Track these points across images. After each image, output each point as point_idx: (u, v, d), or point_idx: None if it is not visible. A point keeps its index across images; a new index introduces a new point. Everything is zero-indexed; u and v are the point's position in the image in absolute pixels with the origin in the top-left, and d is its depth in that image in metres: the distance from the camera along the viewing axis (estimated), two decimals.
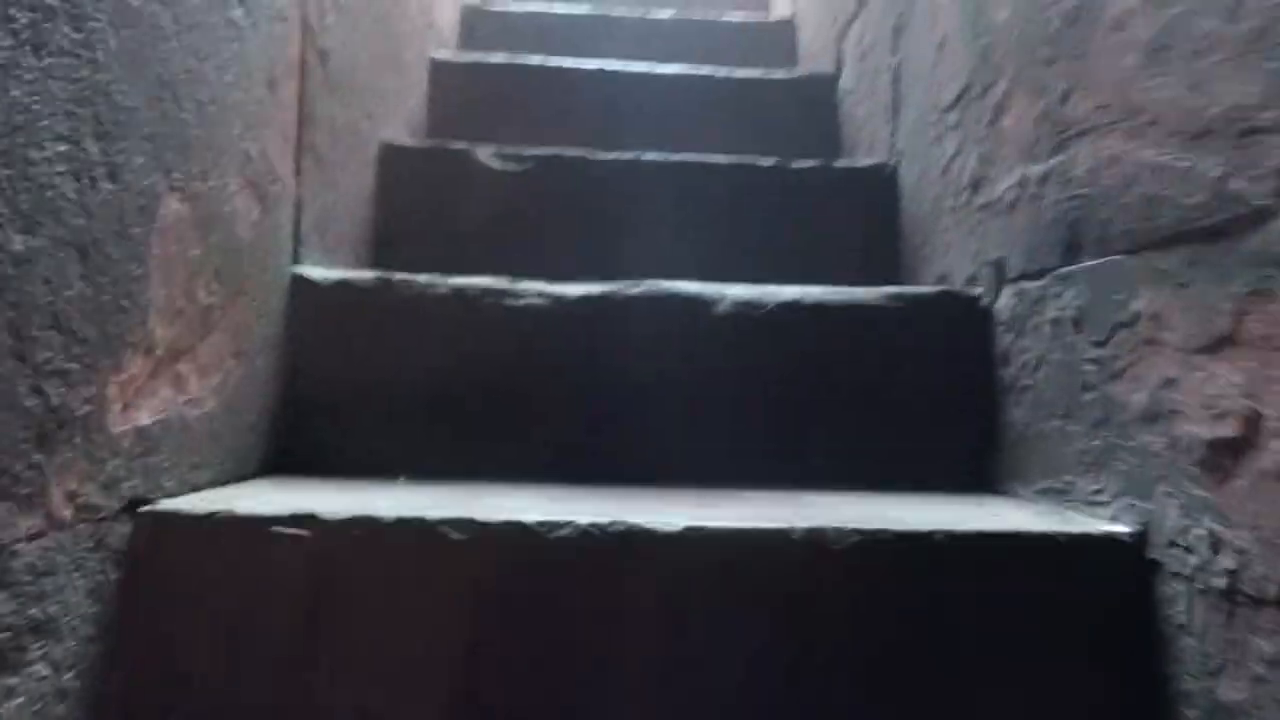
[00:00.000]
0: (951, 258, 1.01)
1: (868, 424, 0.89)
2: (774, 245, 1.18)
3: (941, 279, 1.03)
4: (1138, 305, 0.65)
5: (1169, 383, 0.61)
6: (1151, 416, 0.63)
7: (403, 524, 0.64)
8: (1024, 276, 0.83)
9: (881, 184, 1.20)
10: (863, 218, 1.19)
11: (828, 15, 1.59)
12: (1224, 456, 0.55)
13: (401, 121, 1.31)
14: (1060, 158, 0.76)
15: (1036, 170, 0.80)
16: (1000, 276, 0.88)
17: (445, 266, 1.14)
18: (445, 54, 1.50)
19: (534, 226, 1.18)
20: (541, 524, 0.64)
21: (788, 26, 1.85)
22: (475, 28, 1.83)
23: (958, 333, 0.90)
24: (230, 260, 0.76)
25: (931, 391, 0.89)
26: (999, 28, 0.89)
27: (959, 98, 0.99)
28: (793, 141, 1.48)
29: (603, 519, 0.64)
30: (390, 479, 0.84)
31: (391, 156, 1.19)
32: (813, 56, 1.69)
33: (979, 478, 0.88)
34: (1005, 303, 0.87)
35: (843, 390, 0.89)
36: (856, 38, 1.41)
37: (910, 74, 1.15)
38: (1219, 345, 0.56)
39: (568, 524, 0.64)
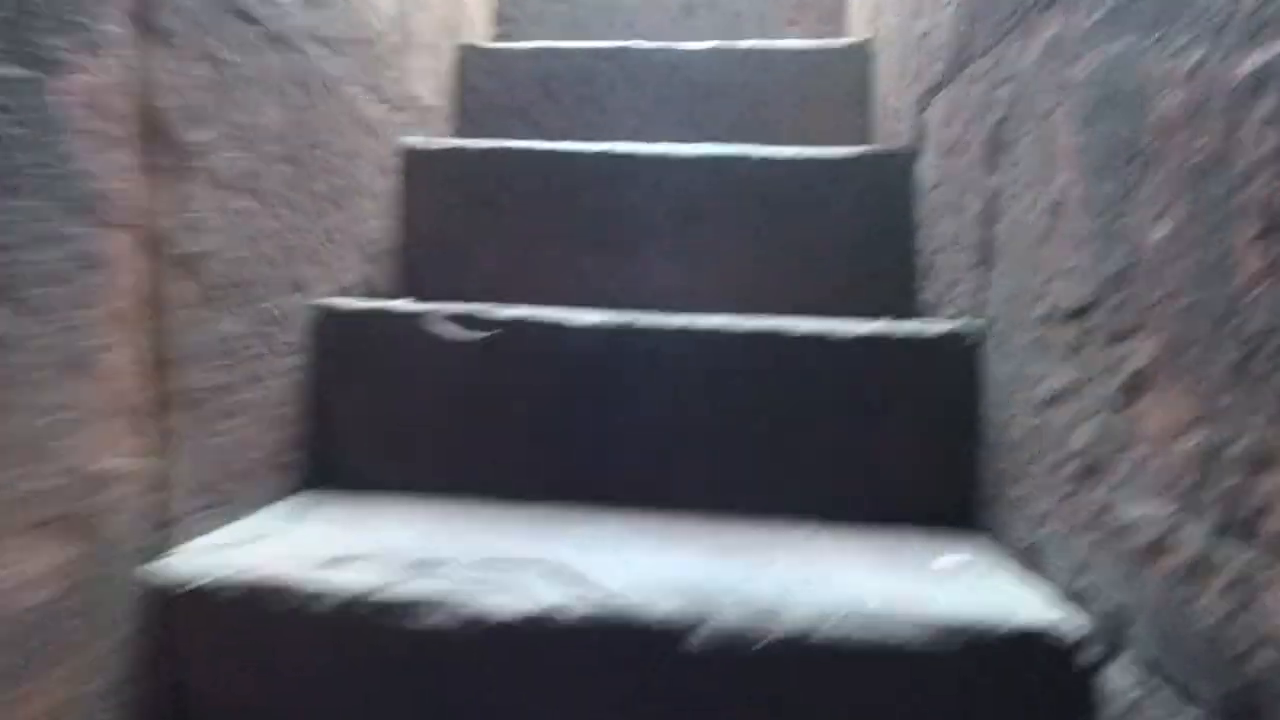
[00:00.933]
0: (1045, 537, 0.70)
1: None
2: (799, 464, 0.90)
3: (1029, 557, 0.73)
4: None
5: None
6: None
7: None
8: (1158, 672, 0.53)
9: (958, 358, 0.88)
10: (928, 413, 0.88)
11: (908, 67, 1.22)
12: None
13: (356, 256, 1.05)
14: (1239, 559, 0.46)
15: (1193, 544, 0.50)
16: (1114, 641, 0.58)
17: (391, 481, 0.91)
18: (417, 141, 1.22)
19: (489, 427, 0.93)
20: None
21: (860, 55, 1.47)
22: (476, 70, 1.53)
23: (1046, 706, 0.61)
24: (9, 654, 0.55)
25: None
26: (1149, 249, 0.56)
27: (1077, 314, 0.67)
28: (851, 254, 1.15)
29: None
30: None
31: (326, 323, 0.95)
32: (890, 114, 1.33)
33: None
34: (1119, 682, 0.57)
35: None
36: (943, 116, 1.06)
37: (1011, 219, 0.82)
38: None
39: None
